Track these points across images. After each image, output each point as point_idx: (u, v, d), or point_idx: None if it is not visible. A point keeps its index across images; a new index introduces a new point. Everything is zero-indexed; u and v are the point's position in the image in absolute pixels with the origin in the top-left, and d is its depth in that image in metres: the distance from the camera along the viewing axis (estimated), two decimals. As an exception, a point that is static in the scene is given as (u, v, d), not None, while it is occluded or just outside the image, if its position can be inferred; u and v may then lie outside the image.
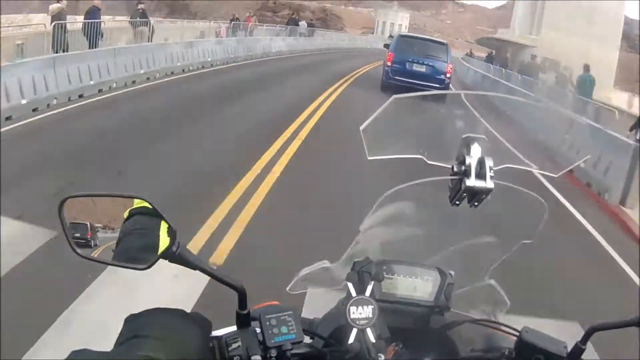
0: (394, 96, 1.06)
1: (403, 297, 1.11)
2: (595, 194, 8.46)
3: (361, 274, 1.06)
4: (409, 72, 15.55)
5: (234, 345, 0.92)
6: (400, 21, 53.18)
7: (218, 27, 23.13)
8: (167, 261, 0.90)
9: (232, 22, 23.87)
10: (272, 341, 0.93)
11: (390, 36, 19.69)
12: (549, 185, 7.46)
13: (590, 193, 8.57)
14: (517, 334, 1.03)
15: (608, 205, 7.98)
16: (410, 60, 15.77)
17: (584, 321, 3.61)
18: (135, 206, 0.91)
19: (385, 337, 1.00)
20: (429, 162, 1.09)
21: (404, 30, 46.19)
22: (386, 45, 17.85)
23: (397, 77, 15.47)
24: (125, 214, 0.92)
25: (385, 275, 1.09)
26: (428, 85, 15.08)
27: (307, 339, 1.01)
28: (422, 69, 15.79)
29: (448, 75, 15.92)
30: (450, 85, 16.77)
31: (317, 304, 1.16)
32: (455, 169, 1.04)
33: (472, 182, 1.02)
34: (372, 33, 52.03)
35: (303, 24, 34.09)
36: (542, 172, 1.27)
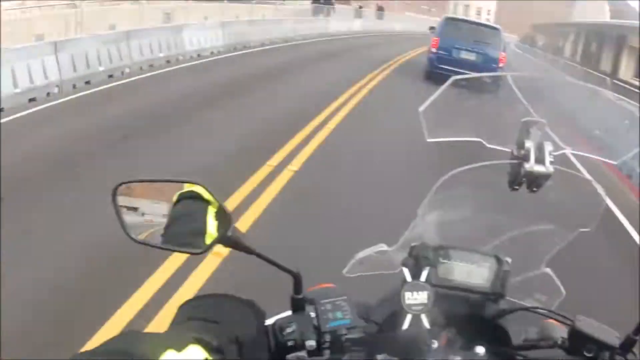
0: (453, 77, 1.06)
1: (459, 282, 1.09)
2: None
3: (417, 258, 1.04)
4: (456, 60, 13.91)
5: (289, 330, 0.92)
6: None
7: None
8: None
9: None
10: (327, 326, 0.93)
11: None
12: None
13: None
14: (571, 323, 1.01)
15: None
16: (457, 46, 14.23)
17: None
18: (184, 190, 0.91)
19: (439, 323, 0.99)
20: (488, 145, 1.08)
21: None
22: (431, 29, 16.18)
23: (442, 66, 13.61)
24: (174, 198, 0.91)
25: (442, 261, 1.07)
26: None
27: (362, 323, 1.00)
28: (471, 57, 14.21)
29: (501, 64, 14.21)
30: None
31: (373, 288, 1.13)
32: (514, 153, 1.03)
33: (531, 166, 1.00)
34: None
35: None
36: (602, 159, 1.23)
